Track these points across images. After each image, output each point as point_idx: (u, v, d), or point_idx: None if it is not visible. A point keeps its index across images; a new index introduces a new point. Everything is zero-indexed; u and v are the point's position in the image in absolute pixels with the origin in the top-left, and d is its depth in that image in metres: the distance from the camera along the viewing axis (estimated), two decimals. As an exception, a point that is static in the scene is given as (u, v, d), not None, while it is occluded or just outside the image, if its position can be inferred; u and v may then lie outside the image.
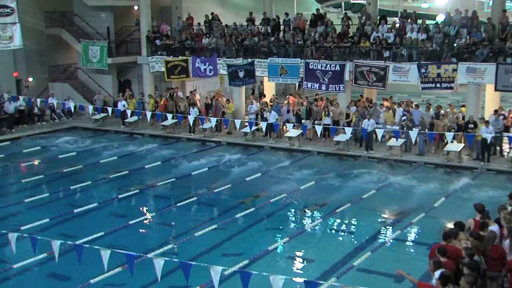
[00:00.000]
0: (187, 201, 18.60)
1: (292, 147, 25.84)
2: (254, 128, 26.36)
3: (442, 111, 24.67)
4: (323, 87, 26.74)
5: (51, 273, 13.23)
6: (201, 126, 27.89)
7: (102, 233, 15.37)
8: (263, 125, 26.14)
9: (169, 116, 27.84)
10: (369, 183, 20.71)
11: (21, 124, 30.43)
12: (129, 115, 28.47)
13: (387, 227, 16.60)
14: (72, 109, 29.31)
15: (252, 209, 17.73)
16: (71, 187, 20.16)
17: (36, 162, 24.35)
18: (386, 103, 26.71)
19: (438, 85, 24.08)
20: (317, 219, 17.05)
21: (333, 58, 26.93)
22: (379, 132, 23.59)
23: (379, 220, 17.23)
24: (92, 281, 12.19)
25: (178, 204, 18.28)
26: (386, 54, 25.62)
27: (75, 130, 30.75)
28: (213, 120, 26.78)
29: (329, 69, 26.21)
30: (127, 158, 24.80)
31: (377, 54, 25.95)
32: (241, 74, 28.36)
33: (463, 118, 23.94)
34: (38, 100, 29.54)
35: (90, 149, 26.26)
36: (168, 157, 24.77)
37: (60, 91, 33.08)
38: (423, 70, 24.04)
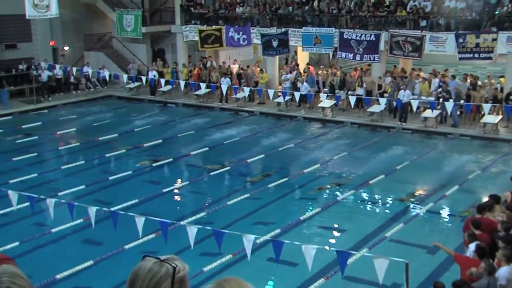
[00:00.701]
0: (219, 170, 18.71)
1: (325, 117, 25.69)
2: (287, 98, 26.25)
3: (479, 82, 24.16)
4: (357, 57, 26.37)
5: (87, 238, 13.53)
6: (234, 96, 27.88)
7: (136, 200, 15.61)
8: (296, 95, 26.01)
9: (203, 85, 27.88)
10: (402, 154, 20.52)
11: (57, 92, 30.87)
12: (162, 84, 28.61)
13: (420, 199, 16.46)
14: (107, 78, 29.56)
15: (284, 179, 17.76)
16: (106, 155, 20.45)
17: (72, 130, 24.74)
18: (422, 74, 26.27)
19: (476, 55, 23.52)
20: (350, 190, 16.98)
21: (368, 28, 26.50)
22: (414, 103, 23.27)
23: (412, 192, 17.08)
24: (126, 246, 12.43)
25: (211, 173, 18.40)
26: (423, 23, 25.08)
27: (110, 99, 31.10)
28: (246, 90, 26.74)
29: (364, 39, 25.81)
30: (160, 127, 25.01)
31: (414, 23, 25.43)
32: (274, 43, 28.13)
33: (502, 89, 23.41)
34: (74, 69, 29.88)
35: (125, 118, 26.53)
36: (201, 127, 24.90)
37: (95, 60, 33.37)
38: (461, 40, 23.48)
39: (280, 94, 26.73)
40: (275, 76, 29.48)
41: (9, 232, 13.71)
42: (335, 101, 25.50)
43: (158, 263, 2.20)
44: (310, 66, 29.56)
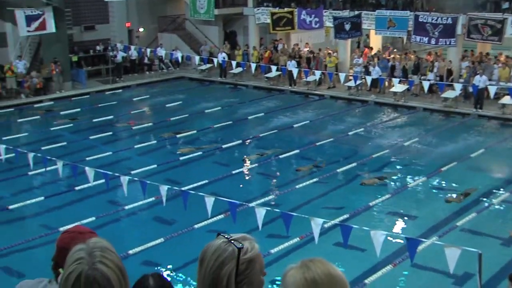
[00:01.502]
0: (288, 153, 18.72)
1: (397, 102, 25.20)
2: (358, 82, 25.89)
3: None
4: (433, 41, 25.61)
5: (158, 216, 13.89)
6: (304, 79, 27.77)
7: (206, 181, 15.85)
8: (367, 79, 25.60)
9: (273, 68, 27.89)
10: (478, 142, 19.90)
11: (131, 73, 31.66)
12: (234, 66, 28.80)
13: (495, 188, 15.91)
14: (179, 60, 30.02)
15: (353, 164, 17.56)
16: (177, 136, 20.84)
17: (144, 110, 25.36)
18: (502, 59, 25.26)
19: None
20: (421, 177, 16.61)
21: (445, 11, 25.65)
22: (492, 89, 22.44)
23: (487, 180, 16.54)
24: (196, 226, 12.68)
25: (280, 156, 18.44)
26: (505, 5, 24.04)
27: (182, 80, 31.61)
28: (317, 73, 26.55)
29: (440, 22, 25.01)
30: (230, 108, 25.24)
31: (495, 6, 24.42)
32: (347, 26, 27.72)
33: None
34: (148, 50, 30.53)
35: (196, 99, 26.91)
36: (270, 109, 24.95)
37: (168, 41, 33.93)
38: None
39: (351, 78, 26.40)
40: (346, 59, 29.09)
41: (86, 207, 14.25)
42: (407, 86, 24.95)
43: (226, 242, 2.22)
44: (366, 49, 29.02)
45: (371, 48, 29.48)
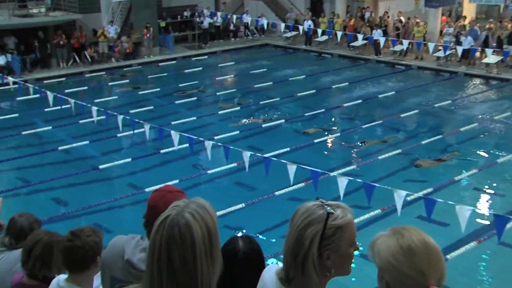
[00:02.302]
0: (372, 123, 18.42)
1: (489, 74, 24.13)
2: (448, 52, 24.96)
3: None
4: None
5: (239, 181, 14.08)
6: (391, 48, 27.07)
7: (288, 149, 15.88)
8: (458, 50, 24.61)
9: (360, 37, 27.33)
10: None
11: (217, 39, 31.95)
12: (319, 34, 28.46)
13: None
14: (265, 27, 29.96)
15: (438, 136, 17.07)
16: (260, 102, 20.94)
17: (229, 76, 25.61)
18: None
19: None
20: (510, 153, 15.89)
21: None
22: None
23: None
24: (276, 193, 12.78)
25: (363, 126, 18.19)
26: None
27: (266, 47, 31.60)
28: (405, 43, 25.80)
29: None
30: (314, 77, 25.04)
31: None
32: (439, -6, 26.67)
33: None
34: (234, 17, 30.65)
35: (280, 67, 26.87)
36: (355, 78, 24.56)
37: (254, 8, 33.91)
38: None
39: (440, 48, 25.48)
40: (436, 29, 28.00)
41: (170, 170, 14.67)
42: (502, 57, 23.81)
43: (318, 206, 2.24)
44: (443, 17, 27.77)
45: (464, 17, 28.22)
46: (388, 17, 29.47)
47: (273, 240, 10.34)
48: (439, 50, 25.52)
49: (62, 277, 3.71)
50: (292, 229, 2.25)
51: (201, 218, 2.03)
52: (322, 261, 2.20)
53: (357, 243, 2.29)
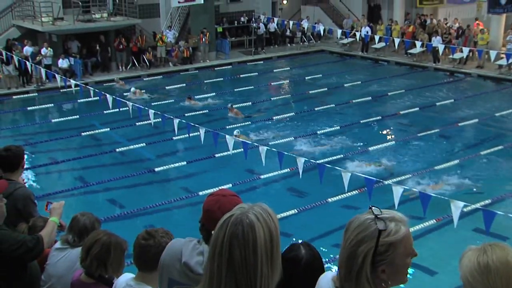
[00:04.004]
0: (428, 132, 18.06)
1: (553, 84, 23.33)
2: (511, 60, 24.24)
3: None
4: None
5: (292, 187, 14.07)
6: (450, 56, 26.52)
7: (341, 155, 15.77)
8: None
9: (418, 44, 26.89)
10: None
11: (273, 45, 32.02)
12: (376, 40, 28.15)
13: None
14: (321, 33, 29.83)
15: (499, 147, 16.58)
16: (315, 109, 20.84)
17: (284, 82, 25.63)
18: None
19: None
20: None
21: None
22: None
23: None
24: (329, 200, 12.69)
25: (419, 135, 17.85)
26: None
27: (322, 53, 31.47)
28: (465, 50, 25.21)
29: None
30: (370, 84, 24.76)
31: None
32: (503, 0, 25.90)
33: None
34: (291, 23, 30.67)
35: (336, 73, 26.71)
36: (412, 86, 24.15)
37: (311, 14, 33.84)
38: None
39: (503, 56, 24.76)
40: (499, 36, 27.20)
41: (224, 174, 14.77)
42: None
43: (371, 220, 2.16)
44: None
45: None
46: (447, 23, 28.87)
47: (325, 248, 10.26)
48: (502, 58, 24.82)
49: (129, 276, 3.78)
50: (345, 244, 2.20)
51: (264, 221, 2.06)
52: (377, 275, 2.16)
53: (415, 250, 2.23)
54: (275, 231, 2.08)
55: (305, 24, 30.81)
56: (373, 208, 2.22)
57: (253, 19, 31.36)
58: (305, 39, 32.26)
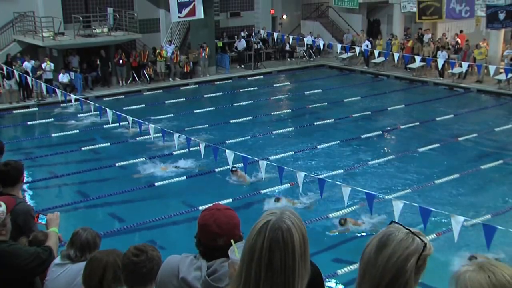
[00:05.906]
0: (429, 146, 18.07)
1: (552, 98, 23.38)
2: (510, 75, 24.31)
3: None
4: None
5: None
6: (450, 71, 26.60)
7: (342, 170, 15.76)
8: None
9: (417, 58, 26.98)
10: None
11: (272, 59, 32.10)
12: (376, 55, 28.25)
13: None
14: (321, 47, 29.93)
15: (499, 162, 16.57)
16: (315, 123, 20.85)
17: (284, 97, 25.69)
18: None
19: None
20: None
21: None
22: None
23: None
24: (330, 215, 12.66)
25: (419, 149, 17.85)
26: None
27: (322, 68, 31.57)
28: (465, 65, 25.30)
29: None
30: (369, 98, 24.82)
31: None
32: (501, 16, 26.00)
33: None
34: (291, 37, 30.78)
35: (336, 88, 26.79)
36: (412, 101, 24.20)
37: (311, 29, 34.01)
38: None
39: (502, 70, 24.85)
40: (498, 51, 27.31)
41: (224, 188, 14.75)
42: None
43: (410, 235, 2.13)
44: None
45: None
46: (446, 38, 28.99)
47: (323, 264, 10.22)
48: (501, 72, 24.90)
49: None
50: (389, 259, 2.12)
51: (297, 225, 2.16)
52: None
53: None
54: (306, 234, 2.19)
55: (309, 40, 30.61)
56: (395, 223, 2.21)
57: (253, 34, 31.48)
58: (305, 54, 32.31)
